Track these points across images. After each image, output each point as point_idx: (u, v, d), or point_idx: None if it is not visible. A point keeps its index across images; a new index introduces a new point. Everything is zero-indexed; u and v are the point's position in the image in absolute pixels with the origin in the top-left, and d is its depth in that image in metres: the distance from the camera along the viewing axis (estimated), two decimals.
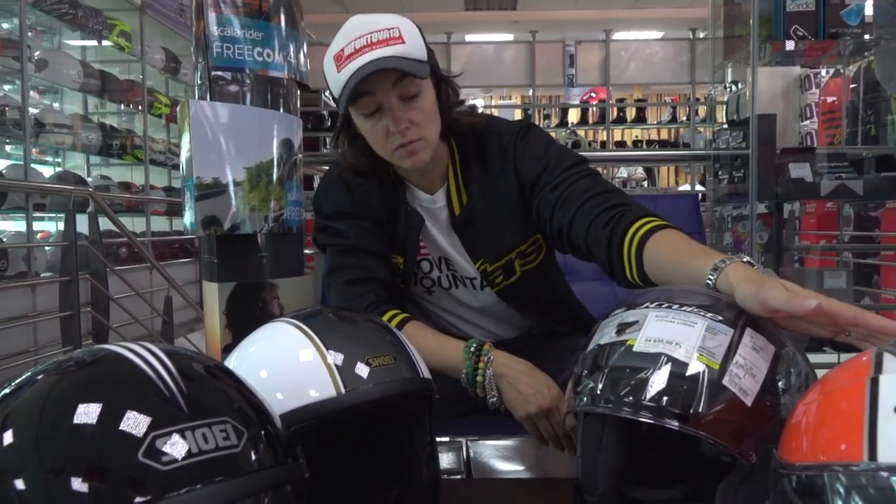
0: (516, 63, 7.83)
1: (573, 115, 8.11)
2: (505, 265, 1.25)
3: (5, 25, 4.51)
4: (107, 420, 0.48)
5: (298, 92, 1.98)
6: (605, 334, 0.80)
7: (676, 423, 0.70)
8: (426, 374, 0.82)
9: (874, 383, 0.53)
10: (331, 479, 0.88)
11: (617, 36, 7.66)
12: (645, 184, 8.46)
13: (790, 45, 2.80)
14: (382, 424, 0.86)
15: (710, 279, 0.83)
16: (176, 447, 0.47)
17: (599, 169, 7.41)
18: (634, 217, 1.02)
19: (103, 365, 0.53)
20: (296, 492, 0.57)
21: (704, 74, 7.77)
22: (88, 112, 5.53)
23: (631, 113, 7.73)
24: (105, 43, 5.08)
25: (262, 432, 0.54)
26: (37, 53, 4.31)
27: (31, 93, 4.80)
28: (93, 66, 5.03)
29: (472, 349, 1.11)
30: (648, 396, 0.71)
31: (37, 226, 4.85)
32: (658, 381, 0.71)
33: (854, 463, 0.50)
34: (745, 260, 0.84)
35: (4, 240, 4.17)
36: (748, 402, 0.70)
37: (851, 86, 4.88)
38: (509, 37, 8.16)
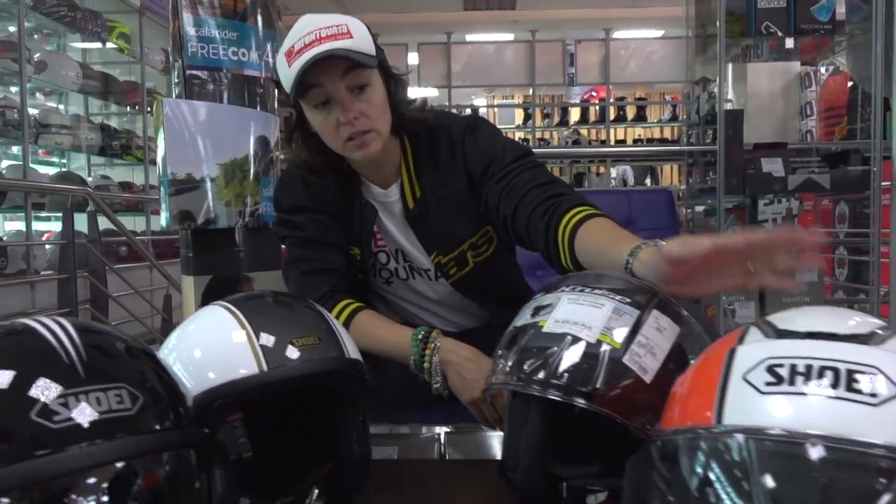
0: (516, 62, 7.85)
1: (574, 114, 8.12)
2: (458, 257, 1.29)
3: (11, 28, 4.59)
4: (9, 384, 0.52)
5: (276, 91, 2.02)
6: (523, 317, 0.84)
7: (577, 400, 0.73)
8: (353, 354, 0.86)
9: (731, 353, 0.57)
10: (266, 455, 0.92)
11: (617, 35, 7.68)
12: (648, 181, 8.45)
13: (789, 42, 2.81)
14: (315, 403, 0.90)
15: (627, 262, 0.87)
16: (70, 408, 0.52)
17: (603, 168, 7.44)
18: (568, 206, 1.07)
19: (13, 336, 0.57)
20: (200, 457, 0.61)
21: (708, 72, 7.78)
22: (91, 113, 5.61)
23: (631, 111, 7.73)
24: (109, 45, 5.16)
25: (162, 399, 0.58)
26: (36, 56, 4.38)
27: (38, 95, 4.89)
28: (93, 67, 5.11)
29: (420, 336, 1.15)
30: (552, 374, 0.75)
31: (42, 226, 4.94)
32: (562, 359, 0.75)
33: (704, 426, 0.54)
34: (659, 244, 0.87)
35: (4, 238, 4.25)
36: (647, 379, 0.74)
37: (850, 83, 4.87)
38: (509, 36, 8.19)
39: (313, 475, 0.89)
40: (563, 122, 8.01)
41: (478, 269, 1.30)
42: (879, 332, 0.55)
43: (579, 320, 0.78)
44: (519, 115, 8.37)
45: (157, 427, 0.56)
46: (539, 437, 0.86)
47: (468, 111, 7.92)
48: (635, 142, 8.41)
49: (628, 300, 0.80)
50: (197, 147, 1.78)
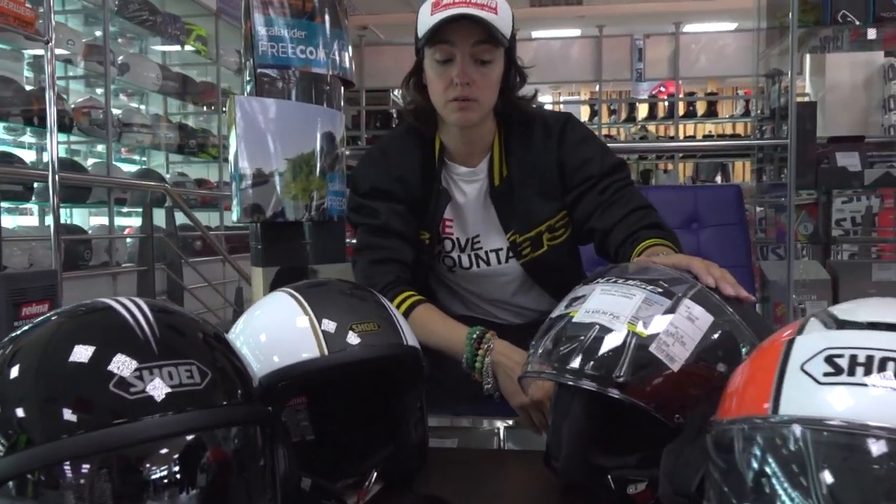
0: (583, 58, 7.75)
1: (641, 110, 7.97)
2: (534, 237, 1.32)
3: (98, 33, 4.84)
4: (89, 358, 0.56)
5: (342, 88, 2.07)
6: (558, 308, 0.86)
7: (608, 389, 0.74)
8: (411, 342, 0.88)
9: (790, 344, 0.56)
10: (329, 439, 0.95)
11: (687, 28, 7.49)
12: (719, 179, 8.21)
13: (872, 32, 2.68)
14: (375, 389, 0.92)
15: None
16: (144, 381, 0.55)
17: (671, 165, 7.25)
18: (650, 236, 1.15)
19: (95, 314, 0.62)
20: (265, 435, 0.64)
21: (780, 64, 7.49)
22: (169, 113, 5.86)
23: (702, 107, 7.53)
24: (187, 48, 5.37)
25: (229, 377, 0.61)
26: (120, 58, 4.60)
27: (121, 95, 5.14)
28: (172, 69, 5.33)
29: (475, 336, 1.16)
30: (578, 363, 0.76)
31: (123, 221, 5.19)
32: (588, 349, 0.76)
33: (759, 416, 0.53)
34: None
35: (89, 231, 4.49)
36: (675, 367, 0.74)
37: None
38: (576, 32, 8.10)
39: (373, 458, 0.91)
40: (630, 118, 7.87)
41: (550, 252, 1.33)
42: None
43: (609, 310, 0.78)
44: (584, 112, 8.26)
45: (225, 402, 0.59)
46: (580, 427, 0.87)
47: None
48: (705, 138, 8.17)
49: (660, 290, 0.80)
50: (266, 143, 1.84)
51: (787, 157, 1.81)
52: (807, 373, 0.52)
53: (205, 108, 6.07)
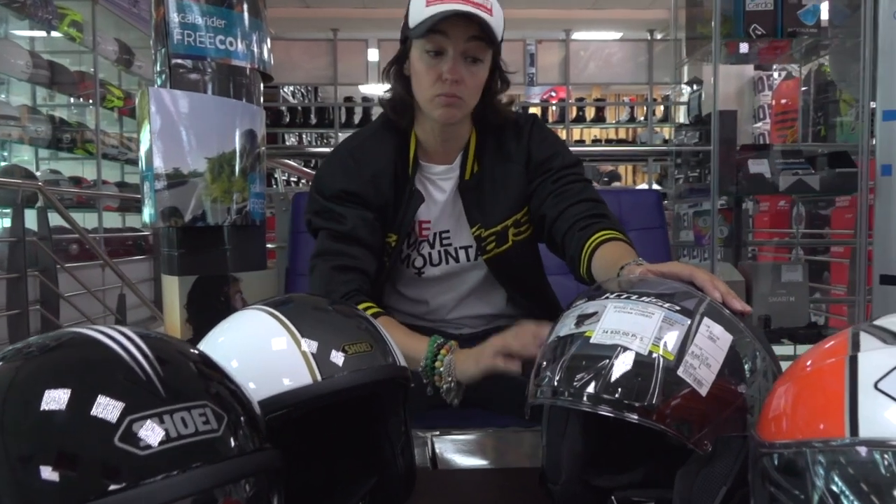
0: None
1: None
2: (500, 232, 1.32)
3: None
4: (78, 404, 0.46)
5: (262, 84, 1.94)
6: (565, 325, 0.80)
7: (632, 416, 0.69)
8: (402, 361, 0.81)
9: (853, 361, 0.54)
10: (308, 469, 0.86)
11: (576, 36, 7.74)
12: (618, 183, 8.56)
13: (744, 47, 2.87)
14: (358, 413, 0.84)
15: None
16: (154, 432, 0.45)
17: None
18: (601, 227, 1.17)
19: (72, 348, 0.51)
20: (270, 480, 0.56)
21: (663, 75, 7.90)
22: (37, 104, 5.35)
23: (590, 112, 7.82)
24: (55, 34, 4.91)
25: (242, 417, 0.52)
26: None
27: None
28: (42, 56, 4.86)
29: (439, 342, 1.12)
30: (604, 389, 0.71)
31: None
32: (614, 373, 0.71)
33: (835, 439, 0.51)
34: (639, 263, 0.98)
35: None
36: (703, 391, 0.70)
37: (802, 88, 5.03)
38: None
39: (358, 491, 0.83)
40: None
41: (515, 248, 1.34)
42: None
43: (629, 330, 0.73)
44: None
45: (241, 448, 0.50)
46: (582, 448, 0.83)
47: None
48: (593, 142, 8.50)
49: (677, 307, 0.76)
50: (181, 139, 1.69)
51: (710, 163, 1.89)
52: (883, 392, 0.50)
53: (73, 99, 5.59)
